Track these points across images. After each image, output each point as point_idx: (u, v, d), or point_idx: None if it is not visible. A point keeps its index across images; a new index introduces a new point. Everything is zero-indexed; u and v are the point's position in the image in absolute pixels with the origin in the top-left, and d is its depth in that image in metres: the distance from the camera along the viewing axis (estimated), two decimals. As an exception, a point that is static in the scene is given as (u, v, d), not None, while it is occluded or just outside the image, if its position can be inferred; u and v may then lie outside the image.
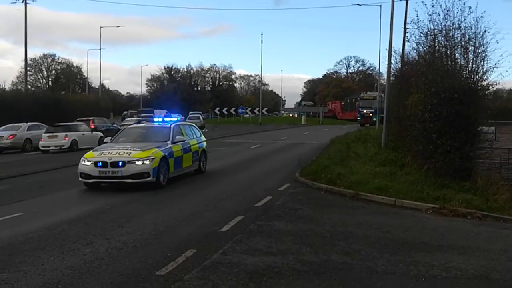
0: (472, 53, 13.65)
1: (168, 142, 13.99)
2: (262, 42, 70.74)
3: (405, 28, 25.33)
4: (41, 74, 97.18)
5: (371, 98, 60.56)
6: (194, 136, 16.15)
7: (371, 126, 48.26)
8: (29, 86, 61.82)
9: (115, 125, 38.46)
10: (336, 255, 7.19)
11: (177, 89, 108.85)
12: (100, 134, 29.32)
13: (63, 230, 8.71)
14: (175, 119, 17.08)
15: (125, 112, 66.78)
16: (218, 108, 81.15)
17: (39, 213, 10.32)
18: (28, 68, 54.54)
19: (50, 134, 26.67)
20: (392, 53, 23.09)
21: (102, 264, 6.75)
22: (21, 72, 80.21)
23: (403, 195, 11.35)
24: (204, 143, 16.78)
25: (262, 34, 78.12)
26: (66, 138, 26.54)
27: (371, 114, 58.22)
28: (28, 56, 47.01)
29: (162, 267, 6.52)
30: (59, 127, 27.49)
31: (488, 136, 14.11)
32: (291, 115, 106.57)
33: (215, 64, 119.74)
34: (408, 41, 25.86)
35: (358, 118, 62.49)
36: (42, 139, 26.56)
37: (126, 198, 11.84)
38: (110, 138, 15.61)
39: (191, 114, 62.62)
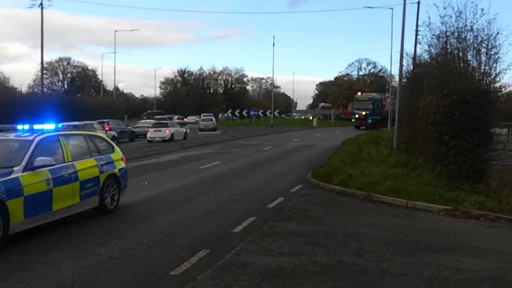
0: (485, 55, 13.62)
1: (17, 167, 8.12)
2: (274, 45, 71.45)
3: (416, 30, 25.34)
4: (57, 77, 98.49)
5: (366, 100, 59.01)
6: (93, 155, 10.11)
7: (379, 130, 47.49)
8: (45, 89, 62.51)
9: (129, 127, 38.95)
10: (348, 256, 7.22)
11: (190, 92, 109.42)
12: (185, 129, 39.38)
13: (78, 230, 8.84)
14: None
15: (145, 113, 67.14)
16: (230, 111, 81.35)
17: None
18: (44, 72, 55.21)
19: (156, 128, 35.69)
20: (404, 55, 23.05)
21: (117, 264, 6.85)
22: (37, 75, 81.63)
23: (415, 196, 11.35)
24: (118, 164, 10.80)
25: (274, 37, 78.54)
26: (168, 132, 35.14)
27: (365, 116, 56.96)
28: (44, 60, 47.76)
29: (176, 267, 6.60)
30: (162, 123, 37.63)
31: (501, 138, 14.04)
32: (303, 117, 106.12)
33: (227, 67, 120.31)
34: (420, 43, 25.88)
35: (353, 120, 60.87)
36: (149, 132, 35.45)
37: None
38: None
39: (204, 116, 62.90)
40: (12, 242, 7.87)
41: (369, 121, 56.27)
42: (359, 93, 66.09)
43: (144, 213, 10.26)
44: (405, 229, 8.97)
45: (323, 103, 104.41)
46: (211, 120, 56.61)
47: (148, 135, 35.23)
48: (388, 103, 44.86)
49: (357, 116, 58.61)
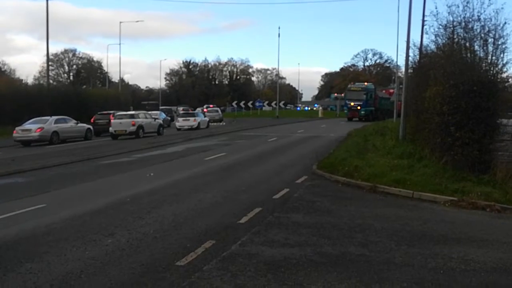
0: (492, 45, 13.52)
1: None
2: (279, 36, 71.17)
3: (423, 20, 25.02)
4: (62, 69, 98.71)
5: (359, 90, 55.92)
6: None
7: (385, 121, 46.75)
8: (51, 81, 62.70)
9: None
10: (353, 247, 7.23)
11: (195, 83, 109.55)
12: (207, 118, 44.25)
13: (85, 221, 8.90)
14: None
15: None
16: (235, 102, 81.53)
17: (62, 205, 10.53)
18: (50, 63, 55.35)
19: (184, 118, 40.14)
20: (410, 45, 22.87)
21: (123, 254, 6.90)
22: (43, 67, 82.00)
23: (421, 187, 11.33)
24: None
25: (279, 28, 78.16)
26: (195, 121, 39.42)
27: (358, 107, 54.09)
28: (50, 51, 47.79)
29: (182, 258, 6.64)
30: (190, 113, 43.08)
31: (508, 129, 13.96)
32: (309, 108, 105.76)
33: (232, 58, 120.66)
34: (427, 33, 25.70)
35: (345, 112, 57.99)
36: (177, 121, 40.08)
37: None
38: None
39: (209, 107, 62.92)
40: (20, 234, 7.94)
41: (362, 112, 53.62)
42: (352, 83, 63.81)
43: (150, 204, 10.30)
44: (410, 220, 8.96)
45: (336, 94, 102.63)
46: (217, 111, 56.77)
47: (177, 124, 39.78)
48: (393, 95, 44.38)
49: (350, 106, 55.46)
